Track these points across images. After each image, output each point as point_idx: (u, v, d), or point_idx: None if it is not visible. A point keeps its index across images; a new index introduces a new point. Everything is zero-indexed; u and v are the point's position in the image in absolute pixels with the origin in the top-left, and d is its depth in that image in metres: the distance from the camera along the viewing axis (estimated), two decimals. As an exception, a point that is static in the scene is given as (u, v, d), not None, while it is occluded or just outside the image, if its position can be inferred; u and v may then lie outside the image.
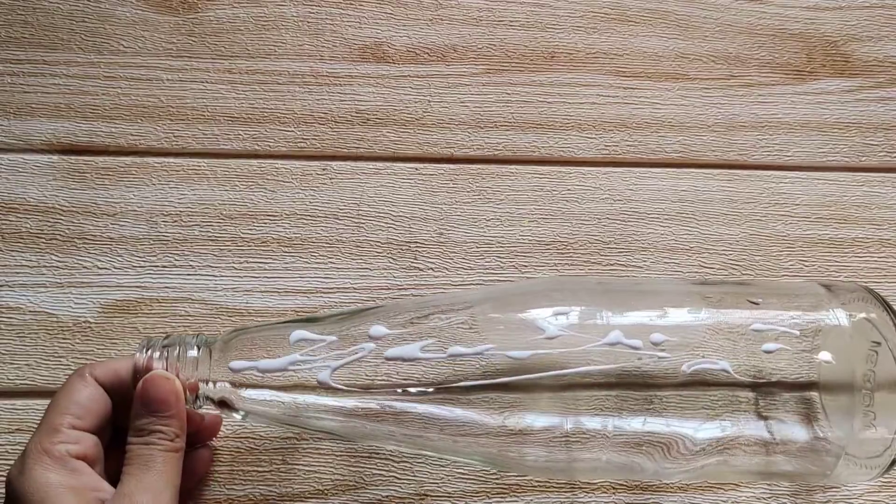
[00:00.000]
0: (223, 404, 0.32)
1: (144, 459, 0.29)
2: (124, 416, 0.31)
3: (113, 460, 0.31)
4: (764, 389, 0.32)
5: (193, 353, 0.31)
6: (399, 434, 0.32)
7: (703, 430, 0.32)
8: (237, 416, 0.32)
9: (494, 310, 0.32)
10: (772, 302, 0.34)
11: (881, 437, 0.31)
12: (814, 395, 0.33)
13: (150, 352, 0.31)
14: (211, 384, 0.31)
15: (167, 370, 0.31)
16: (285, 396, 0.31)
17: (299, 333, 0.32)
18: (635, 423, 0.31)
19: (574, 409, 0.31)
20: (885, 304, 0.33)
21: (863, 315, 0.33)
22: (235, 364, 0.31)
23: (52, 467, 0.28)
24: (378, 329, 0.32)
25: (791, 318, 0.33)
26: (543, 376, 0.31)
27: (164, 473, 0.29)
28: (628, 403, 0.31)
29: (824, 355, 0.32)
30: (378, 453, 0.37)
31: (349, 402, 0.31)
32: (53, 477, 0.28)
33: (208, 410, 0.32)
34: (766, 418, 0.32)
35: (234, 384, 0.31)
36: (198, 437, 0.34)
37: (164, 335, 0.32)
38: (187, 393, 0.31)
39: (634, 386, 0.31)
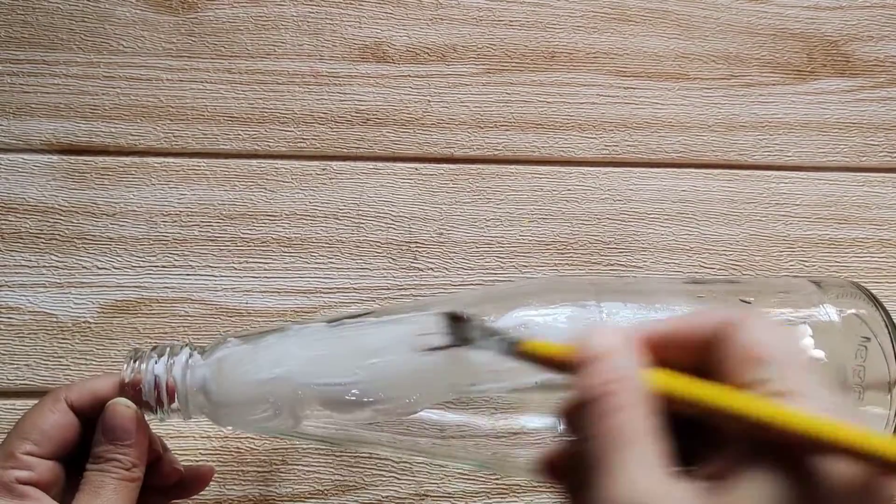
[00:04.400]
0: None
1: (95, 486, 0.29)
2: None
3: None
4: None
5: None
6: (390, 439, 0.32)
7: None
8: (227, 428, 0.32)
9: (487, 315, 0.32)
10: (763, 300, 0.34)
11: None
12: None
13: (137, 364, 0.31)
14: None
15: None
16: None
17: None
18: None
19: None
20: (875, 300, 0.33)
21: (852, 311, 0.33)
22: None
23: None
24: None
25: (782, 315, 0.33)
26: (536, 381, 0.31)
27: (112, 501, 0.29)
28: None
29: (816, 353, 0.32)
30: (378, 453, 0.37)
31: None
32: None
33: (199, 419, 0.32)
34: None
35: None
36: (185, 488, 0.33)
37: (152, 346, 0.32)
38: (176, 402, 0.31)
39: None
